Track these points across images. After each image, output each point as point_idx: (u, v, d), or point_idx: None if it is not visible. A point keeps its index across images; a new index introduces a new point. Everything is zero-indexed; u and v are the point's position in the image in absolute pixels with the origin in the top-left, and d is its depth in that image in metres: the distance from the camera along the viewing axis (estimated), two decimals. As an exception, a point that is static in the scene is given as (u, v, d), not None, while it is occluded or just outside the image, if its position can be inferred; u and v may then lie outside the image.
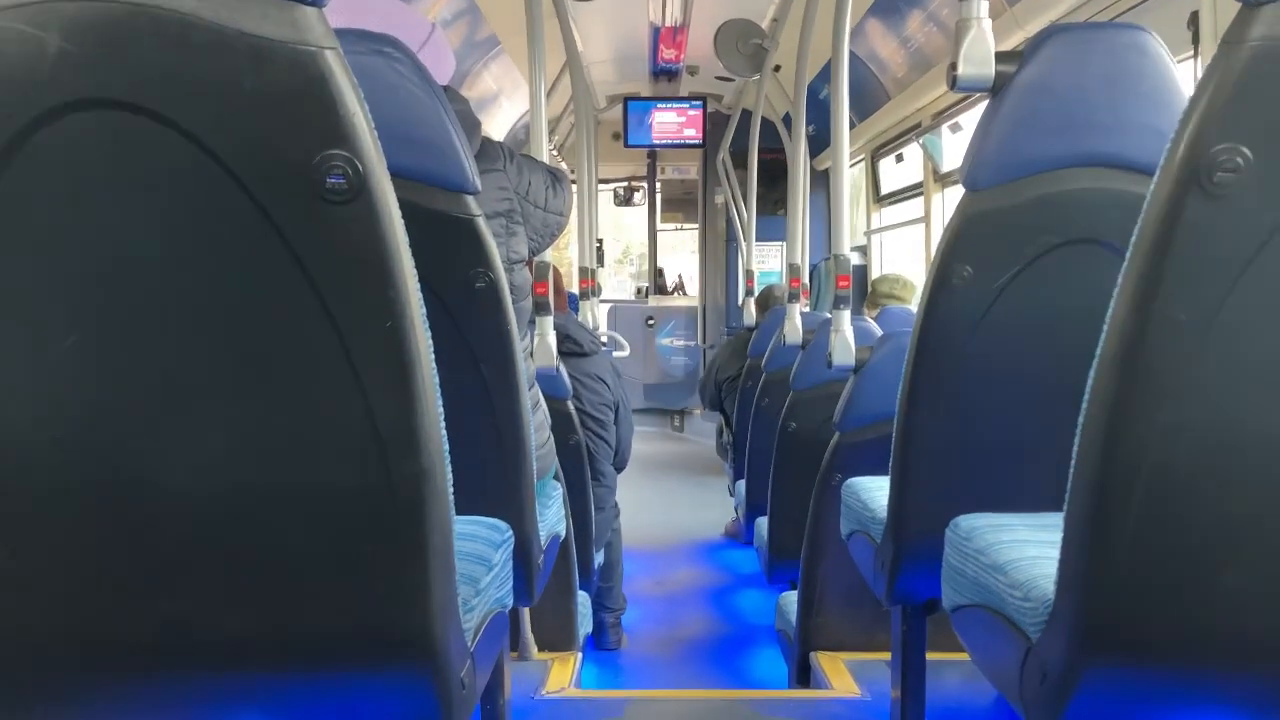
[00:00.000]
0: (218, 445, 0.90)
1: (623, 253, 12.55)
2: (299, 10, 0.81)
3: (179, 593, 0.95)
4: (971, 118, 4.08)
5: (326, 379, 0.88)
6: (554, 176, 2.01)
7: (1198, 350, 0.87)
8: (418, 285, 0.88)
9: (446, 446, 0.93)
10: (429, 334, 0.89)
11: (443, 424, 0.92)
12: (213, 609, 0.96)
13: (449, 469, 0.94)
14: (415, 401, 0.88)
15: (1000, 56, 1.42)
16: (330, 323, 0.86)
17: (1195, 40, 2.30)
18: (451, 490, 0.96)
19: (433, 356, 0.90)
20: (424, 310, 0.89)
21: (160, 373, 0.88)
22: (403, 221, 0.88)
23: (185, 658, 0.99)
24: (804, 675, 2.66)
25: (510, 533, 1.38)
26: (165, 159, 0.82)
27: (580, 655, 2.77)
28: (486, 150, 1.81)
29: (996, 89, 1.44)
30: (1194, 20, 2.31)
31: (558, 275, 3.12)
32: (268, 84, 0.81)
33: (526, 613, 2.61)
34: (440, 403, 0.92)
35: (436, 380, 0.91)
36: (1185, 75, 2.13)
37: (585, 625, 3.00)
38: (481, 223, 1.50)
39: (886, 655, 2.06)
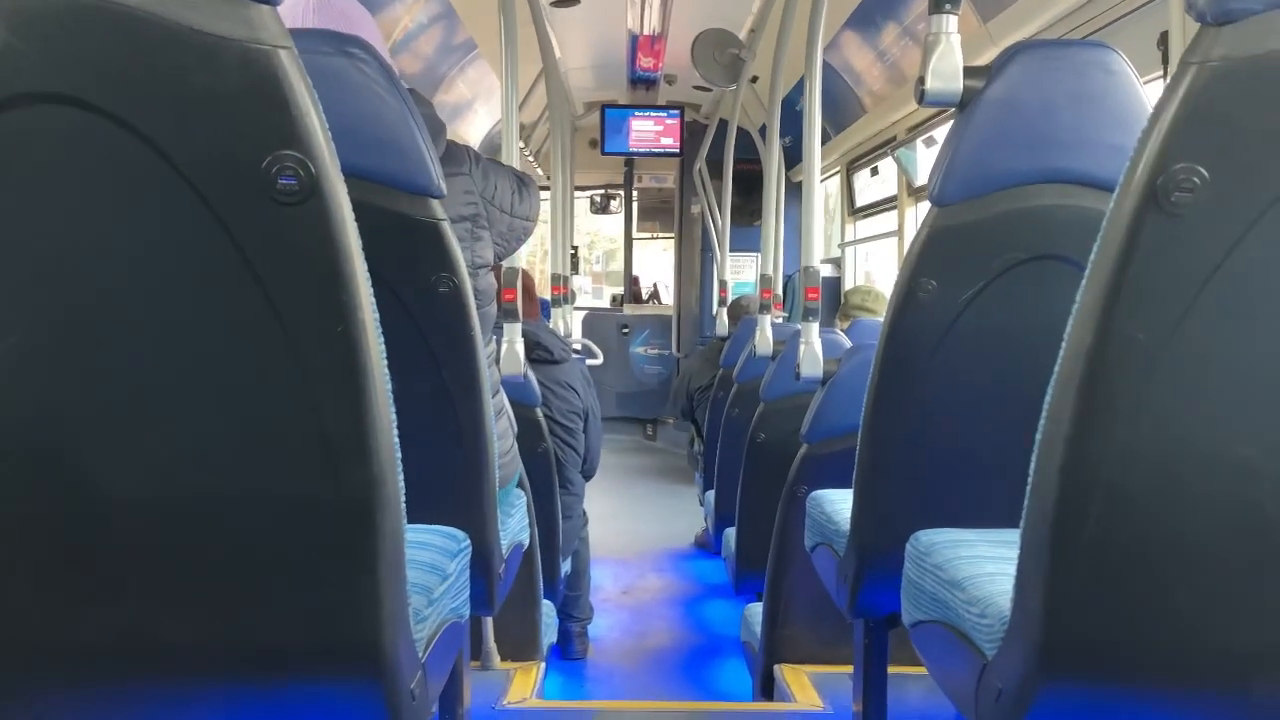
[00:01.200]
0: (165, 449, 0.88)
1: (588, 246, 12.41)
2: (253, 9, 0.80)
3: (125, 599, 0.93)
4: (945, 133, 4.10)
5: (275, 383, 0.86)
6: (520, 181, 1.99)
7: (1154, 369, 0.87)
8: (370, 289, 0.86)
9: (398, 454, 0.92)
10: (382, 339, 0.88)
11: (395, 431, 0.90)
12: (160, 616, 0.94)
13: (400, 477, 0.92)
14: (366, 407, 0.87)
15: (968, 71, 1.43)
16: (279, 325, 0.84)
17: (1165, 60, 2.33)
18: (403, 498, 0.94)
19: (385, 362, 0.88)
20: (377, 315, 0.87)
21: (105, 374, 0.86)
22: (363, 224, 0.86)
23: (133, 665, 0.96)
24: (768, 687, 2.65)
25: (467, 541, 1.36)
26: (113, 156, 0.81)
27: (544, 665, 2.76)
28: (452, 154, 1.79)
29: (964, 104, 1.44)
30: (1164, 40, 2.33)
31: (529, 280, 3.11)
32: (219, 82, 0.80)
33: (489, 622, 2.59)
34: (393, 409, 0.90)
35: (389, 386, 0.89)
36: (1154, 95, 2.15)
37: (550, 634, 2.98)
38: (446, 226, 1.49)
39: (849, 668, 2.06)
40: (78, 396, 0.87)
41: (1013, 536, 1.04)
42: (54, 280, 0.84)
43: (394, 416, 0.90)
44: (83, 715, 1.03)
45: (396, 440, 0.91)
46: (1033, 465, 0.96)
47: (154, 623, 0.94)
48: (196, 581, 0.93)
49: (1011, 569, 1.03)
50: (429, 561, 1.22)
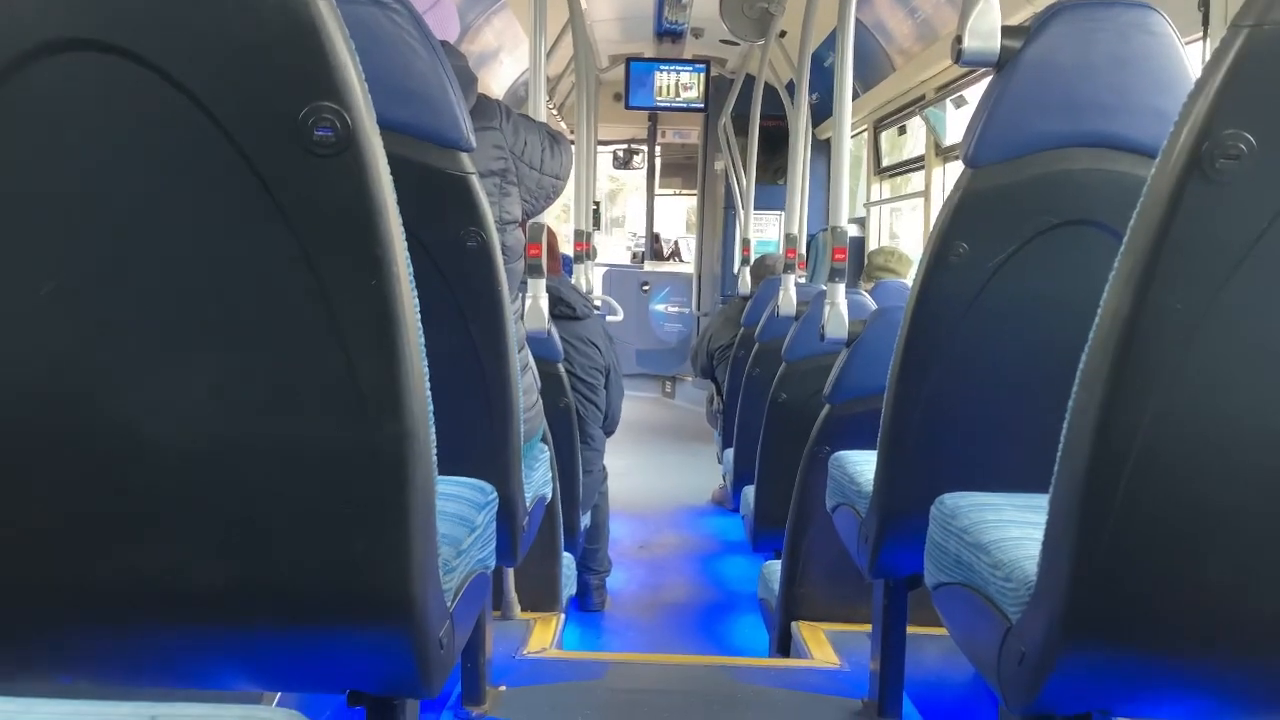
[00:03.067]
0: (197, 396, 0.89)
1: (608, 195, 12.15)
2: None
3: (156, 544, 0.94)
4: (975, 92, 4.04)
5: (309, 335, 0.87)
6: (552, 138, 1.98)
7: (1191, 338, 0.87)
8: (405, 242, 0.86)
9: (430, 407, 0.92)
10: (416, 292, 0.88)
11: (427, 384, 0.91)
12: (190, 561, 0.95)
13: (432, 430, 0.93)
14: (399, 361, 0.87)
15: (1006, 31, 1.40)
16: (314, 278, 0.84)
17: (1205, 22, 2.28)
18: (435, 451, 0.95)
19: (419, 316, 0.89)
20: (411, 268, 0.87)
21: (140, 322, 0.87)
22: (392, 177, 0.86)
23: (162, 610, 0.98)
24: (784, 644, 2.67)
25: (494, 494, 1.37)
26: (148, 104, 0.81)
27: (563, 616, 2.79)
28: (483, 108, 1.78)
29: (1001, 64, 1.42)
30: (1204, 2, 2.28)
31: (552, 237, 3.10)
32: (256, 30, 0.79)
33: (511, 573, 2.62)
34: (425, 363, 0.90)
35: (422, 340, 0.90)
36: (1194, 57, 2.11)
37: (569, 587, 3.01)
38: (475, 180, 1.49)
39: (867, 627, 2.07)
40: (112, 343, 0.88)
41: (1039, 501, 1.04)
42: (88, 228, 0.85)
43: (427, 370, 0.91)
44: (110, 658, 1.05)
45: (429, 394, 0.91)
46: (1064, 431, 0.95)
47: (184, 568, 0.95)
48: (228, 528, 0.94)
49: (1038, 533, 1.03)
50: (457, 513, 1.23)
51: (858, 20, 4.02)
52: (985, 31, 1.40)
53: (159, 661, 1.07)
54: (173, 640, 1.02)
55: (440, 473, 0.99)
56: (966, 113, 4.25)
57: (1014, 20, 1.45)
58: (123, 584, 0.96)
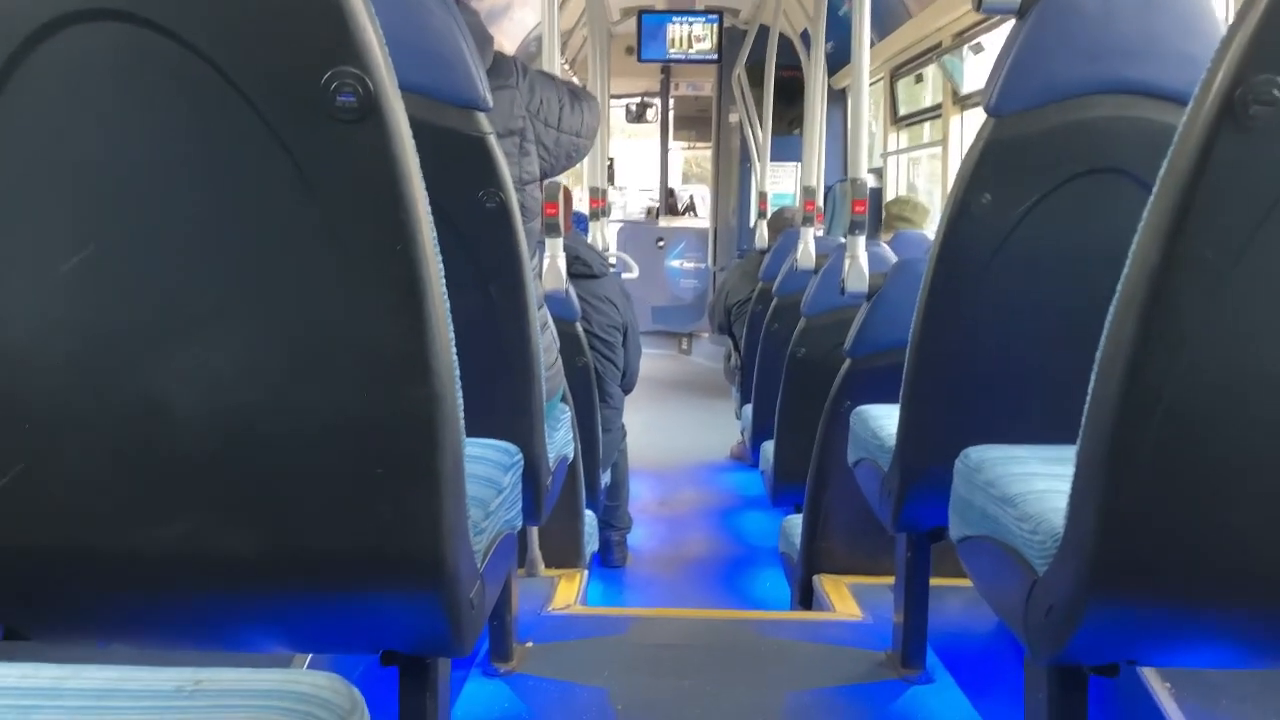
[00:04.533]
0: (226, 365, 0.89)
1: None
2: None
3: (188, 511, 0.95)
4: (993, 39, 3.98)
5: (335, 301, 0.87)
6: (573, 95, 1.95)
7: (1223, 289, 0.86)
8: (429, 208, 0.86)
9: (457, 371, 0.92)
10: (440, 257, 0.88)
11: (453, 348, 0.91)
12: (223, 528, 0.96)
13: (459, 393, 0.93)
14: (425, 326, 0.87)
15: None
16: (339, 244, 0.84)
17: (1231, -37, 2.23)
18: (462, 415, 0.95)
19: (443, 281, 0.89)
20: (434, 233, 0.87)
21: (167, 291, 0.87)
22: (414, 142, 0.86)
23: (196, 576, 0.99)
24: (806, 597, 2.69)
25: (519, 455, 1.38)
26: (170, 73, 0.80)
27: (586, 573, 2.81)
28: (499, 66, 1.77)
29: (1023, 10, 1.39)
30: (1231, -59, 2.23)
31: (568, 195, 3.08)
32: None
33: (535, 532, 2.64)
34: (451, 327, 0.91)
35: (447, 305, 0.90)
36: (1223, 2, 2.07)
37: (592, 544, 3.04)
38: (493, 141, 1.48)
39: (889, 580, 2.08)
40: (140, 313, 0.88)
41: (1065, 454, 1.04)
42: (115, 199, 0.85)
43: (452, 334, 0.91)
44: (148, 623, 1.07)
45: (455, 357, 0.92)
46: (1092, 382, 0.95)
47: (217, 534, 0.96)
48: (260, 495, 0.95)
49: (1064, 486, 1.03)
50: (485, 475, 1.24)
51: (873, -33, 3.95)
52: None
53: (195, 626, 1.08)
54: (208, 605, 1.03)
55: (465, 435, 0.99)
56: (985, 60, 4.19)
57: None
58: (158, 551, 0.97)
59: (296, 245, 0.85)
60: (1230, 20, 0.84)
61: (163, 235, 0.86)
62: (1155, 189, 0.87)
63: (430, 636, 1.06)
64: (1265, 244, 0.85)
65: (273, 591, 1.01)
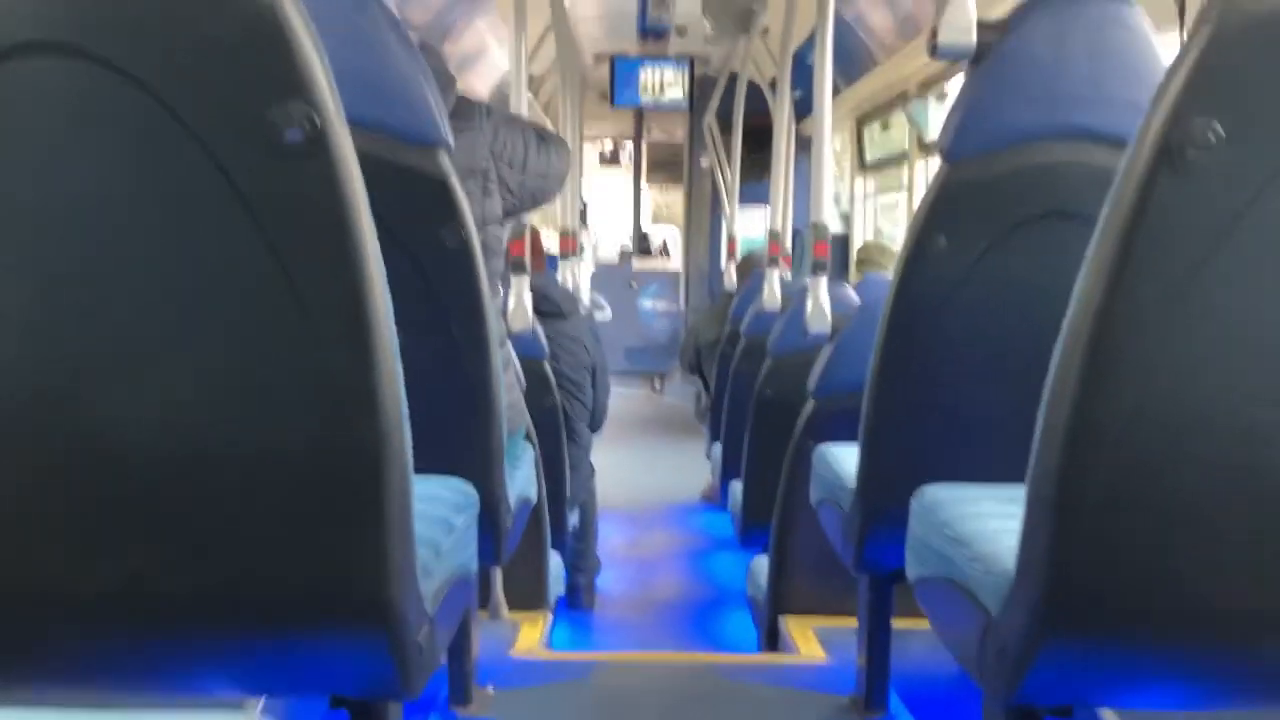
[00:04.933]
0: (170, 400, 0.88)
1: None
2: None
3: (130, 549, 0.94)
4: (958, 87, 4.05)
5: (282, 336, 0.86)
6: (541, 139, 1.96)
7: (1163, 328, 0.87)
8: (376, 242, 0.86)
9: (406, 408, 0.92)
10: (388, 292, 0.88)
11: (402, 385, 0.91)
12: (165, 566, 0.94)
13: (408, 431, 0.93)
14: (374, 361, 0.87)
15: (983, 25, 1.41)
16: (286, 279, 0.84)
17: (1181, 14, 2.29)
18: (411, 452, 0.94)
19: (392, 315, 0.88)
20: (383, 268, 0.87)
21: (110, 326, 0.86)
22: (371, 176, 0.86)
23: (139, 614, 0.97)
24: (773, 639, 2.68)
25: (475, 494, 1.37)
26: (116, 107, 0.80)
27: (551, 616, 2.78)
28: (463, 109, 1.78)
29: (978, 58, 1.42)
30: (1181, -7, 2.29)
31: (535, 236, 3.09)
32: (223, 31, 0.79)
33: (498, 573, 2.61)
34: (400, 363, 0.90)
35: (396, 340, 0.89)
36: (1170, 50, 2.12)
37: (557, 586, 3.01)
38: (454, 179, 1.48)
39: (854, 621, 2.08)
40: (84, 347, 0.87)
41: (1018, 493, 1.04)
42: (56, 231, 0.84)
43: (400, 369, 0.90)
44: (89, 666, 1.04)
45: (404, 394, 0.91)
46: (1039, 423, 0.95)
47: (160, 572, 0.95)
48: (202, 532, 0.93)
49: (1017, 525, 1.03)
50: (436, 515, 1.23)
51: (840, 16, 4.03)
52: (962, 25, 1.41)
53: (139, 669, 1.06)
54: (152, 647, 1.01)
55: (421, 472, 0.98)
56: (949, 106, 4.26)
57: (991, 12, 1.46)
58: (99, 591, 0.95)
59: (243, 279, 0.85)
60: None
61: (107, 269, 0.85)
62: (1097, 230, 0.89)
63: (377, 679, 1.04)
64: (1204, 284, 0.86)
65: (218, 631, 0.99)
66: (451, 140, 1.47)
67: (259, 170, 0.81)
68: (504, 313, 2.20)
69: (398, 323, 0.90)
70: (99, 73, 0.79)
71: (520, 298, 2.32)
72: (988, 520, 1.21)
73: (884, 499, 1.61)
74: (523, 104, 2.48)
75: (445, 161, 1.47)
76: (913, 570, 1.35)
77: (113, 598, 0.96)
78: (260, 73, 0.79)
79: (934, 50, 1.42)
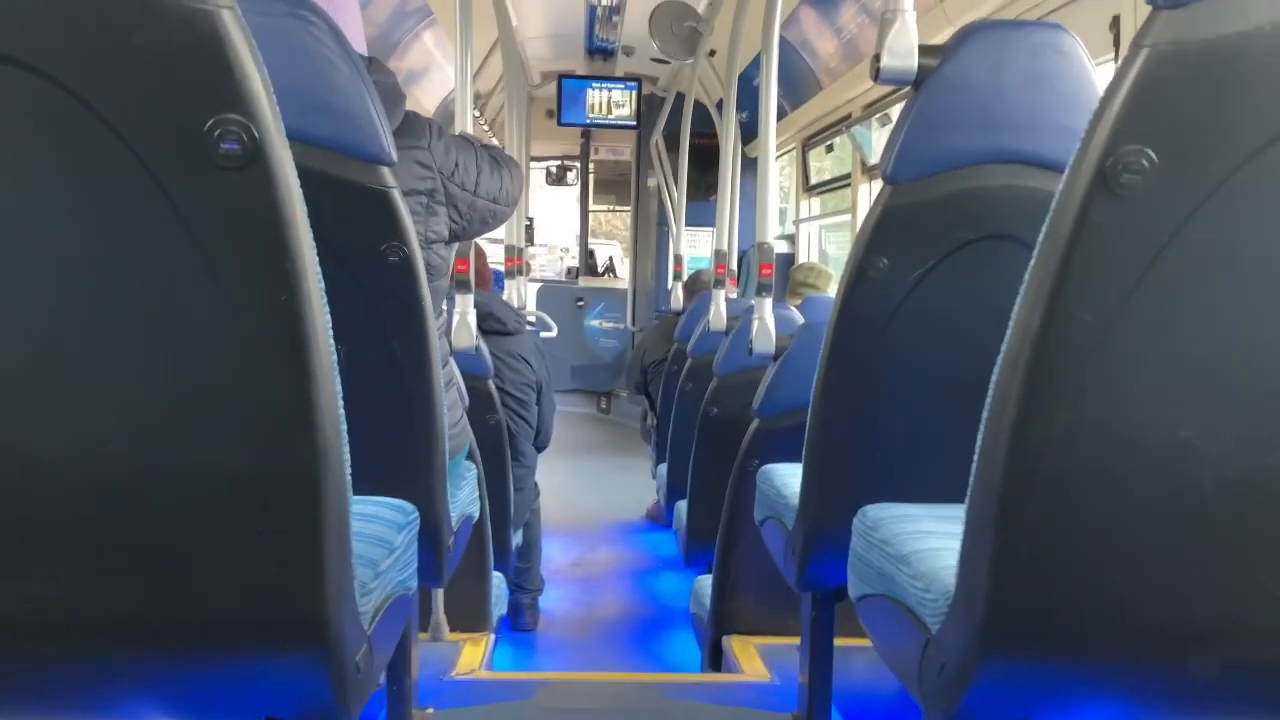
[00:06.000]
0: (100, 417, 0.86)
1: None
2: None
3: (59, 570, 0.91)
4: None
5: (218, 351, 0.84)
6: (495, 162, 1.94)
7: (1099, 350, 0.88)
8: (315, 257, 0.84)
9: (344, 426, 0.90)
10: (327, 308, 0.86)
11: (340, 403, 0.89)
12: (96, 588, 0.92)
13: (346, 449, 0.91)
14: (310, 378, 0.85)
15: (923, 50, 1.43)
16: (221, 293, 0.82)
17: (1116, 43, 2.35)
18: (349, 470, 0.93)
19: (330, 332, 0.87)
20: (322, 284, 0.86)
21: (38, 338, 0.84)
22: (312, 191, 0.84)
23: (66, 639, 0.94)
24: (716, 658, 2.68)
25: (415, 514, 1.35)
26: (48, 117, 0.78)
27: (493, 636, 2.76)
28: (411, 126, 1.76)
29: (919, 83, 1.44)
30: (1115, 24, 2.35)
31: (480, 253, 3.07)
32: (159, 42, 0.77)
33: (439, 594, 2.58)
34: (338, 380, 0.89)
35: (334, 357, 0.88)
36: (1106, 78, 2.17)
37: (500, 606, 2.98)
38: (396, 195, 1.47)
39: (797, 640, 2.08)
40: (8, 363, 0.84)
41: (958, 512, 1.05)
42: None
43: (339, 387, 0.89)
44: (13, 690, 1.01)
45: (342, 412, 0.90)
46: (978, 443, 0.97)
47: (88, 595, 0.92)
48: (133, 552, 0.91)
49: (956, 544, 1.04)
50: (375, 534, 1.21)
51: (784, 40, 4.08)
52: (903, 50, 1.43)
53: (67, 695, 1.03)
54: (79, 672, 0.98)
55: (362, 492, 0.97)
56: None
57: (934, 40, 1.48)
58: (24, 614, 0.92)
59: (176, 293, 0.83)
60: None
61: (35, 280, 0.83)
62: (1035, 253, 0.90)
63: (313, 701, 1.02)
64: (1139, 306, 0.88)
65: (149, 655, 0.97)
66: (395, 156, 1.46)
67: (195, 182, 0.80)
68: (447, 331, 2.18)
69: (337, 339, 0.88)
70: (28, 79, 0.77)
71: (464, 315, 2.30)
72: (928, 539, 1.22)
73: (826, 517, 1.62)
74: (468, 121, 2.47)
75: (389, 177, 1.46)
76: (854, 588, 1.36)
77: (39, 621, 0.93)
78: (197, 84, 0.78)
79: (876, 74, 1.44)
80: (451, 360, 2.00)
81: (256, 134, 0.79)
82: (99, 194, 0.81)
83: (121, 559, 0.91)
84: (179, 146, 0.79)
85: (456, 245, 1.99)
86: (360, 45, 1.71)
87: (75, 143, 0.79)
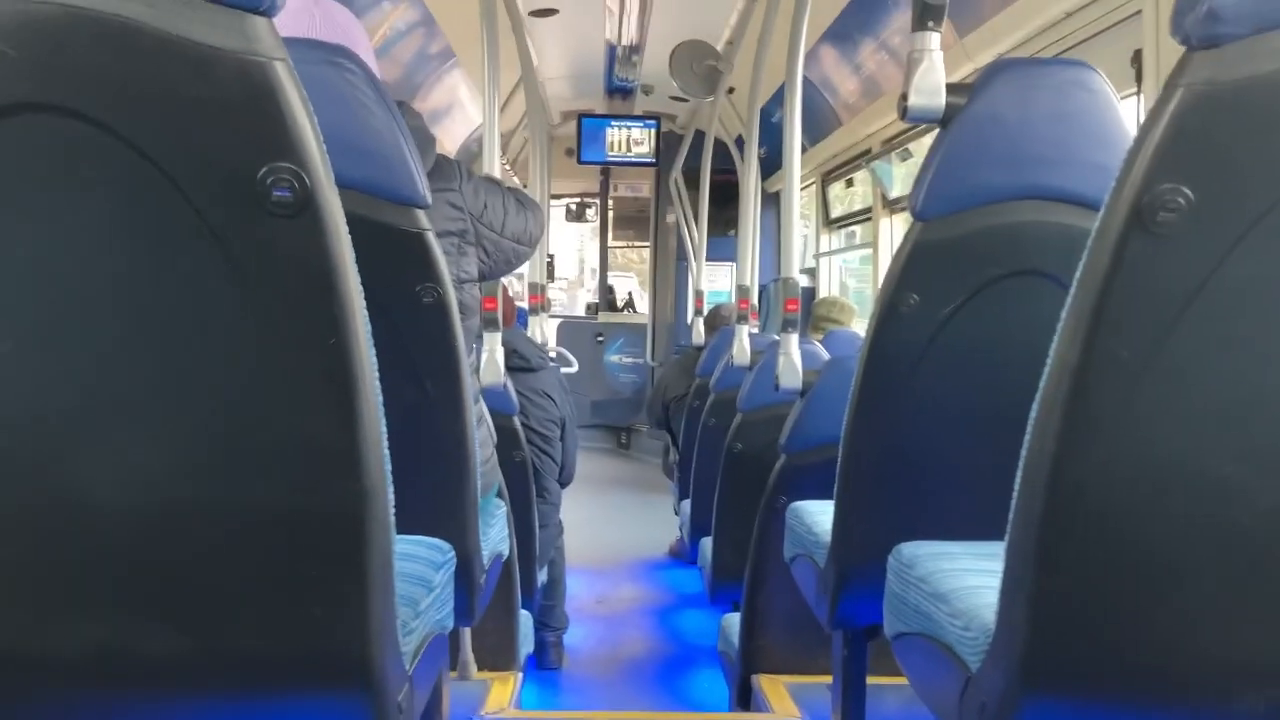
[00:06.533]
0: (152, 460, 0.87)
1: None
2: (248, 20, 0.79)
3: (107, 612, 0.92)
4: (922, 146, 4.13)
5: (266, 395, 0.86)
6: (520, 203, 1.98)
7: (1138, 387, 0.89)
8: (363, 301, 0.86)
9: (389, 467, 0.91)
10: (373, 351, 0.88)
11: (385, 444, 0.90)
12: (142, 629, 0.93)
13: (390, 490, 0.92)
14: (358, 421, 0.86)
15: (950, 88, 1.44)
16: (272, 338, 0.84)
17: (1138, 78, 2.36)
18: (393, 511, 0.94)
19: (376, 375, 0.88)
20: (369, 327, 0.87)
21: (93, 384, 0.85)
22: (350, 236, 0.86)
23: (115, 679, 0.95)
24: (745, 697, 2.65)
25: (452, 553, 1.36)
26: (105, 166, 0.80)
27: (521, 675, 2.74)
28: (442, 169, 1.79)
29: (946, 120, 1.45)
30: (1137, 58, 2.36)
31: (505, 292, 3.09)
32: (214, 94, 0.79)
33: (467, 632, 2.58)
34: (383, 422, 0.90)
35: (380, 399, 0.89)
36: (1129, 112, 2.18)
37: (526, 645, 2.97)
38: (430, 237, 1.49)
39: (828, 679, 2.07)
40: (65, 405, 0.86)
41: (996, 549, 1.05)
42: (41, 290, 0.84)
43: (384, 430, 0.90)
44: None
45: (387, 453, 0.91)
46: (1018, 480, 0.97)
47: (137, 635, 0.93)
48: (182, 593, 0.92)
49: (996, 582, 1.04)
50: (415, 573, 1.21)
51: (805, 77, 4.11)
52: (930, 88, 1.44)
53: None
54: (125, 711, 0.99)
55: (397, 531, 0.98)
56: (911, 165, 4.35)
57: (953, 77, 1.50)
58: (71, 653, 0.93)
59: (228, 338, 0.85)
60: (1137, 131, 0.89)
61: (90, 326, 0.84)
62: (1072, 291, 0.91)
63: None
64: (1178, 343, 0.88)
65: (194, 695, 0.97)
66: (430, 198, 1.48)
67: (247, 229, 0.81)
68: (476, 370, 2.19)
69: None
70: (89, 131, 0.79)
71: (493, 353, 2.32)
72: (966, 576, 1.22)
73: (859, 555, 1.62)
74: (495, 162, 2.50)
75: (423, 219, 1.48)
76: (890, 626, 1.35)
77: (87, 660, 0.94)
78: (251, 134, 0.80)
79: (904, 113, 1.45)
80: (481, 399, 2.01)
81: (308, 181, 0.80)
82: (153, 240, 0.83)
83: (168, 600, 0.92)
84: (233, 194, 0.81)
85: (484, 284, 2.01)
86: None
87: (131, 191, 0.81)
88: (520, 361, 3.31)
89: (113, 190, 0.81)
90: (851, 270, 6.28)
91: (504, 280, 2.74)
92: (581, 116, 7.18)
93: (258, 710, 0.98)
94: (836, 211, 5.93)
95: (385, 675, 0.95)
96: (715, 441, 3.52)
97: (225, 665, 0.94)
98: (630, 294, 9.56)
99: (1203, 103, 0.84)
